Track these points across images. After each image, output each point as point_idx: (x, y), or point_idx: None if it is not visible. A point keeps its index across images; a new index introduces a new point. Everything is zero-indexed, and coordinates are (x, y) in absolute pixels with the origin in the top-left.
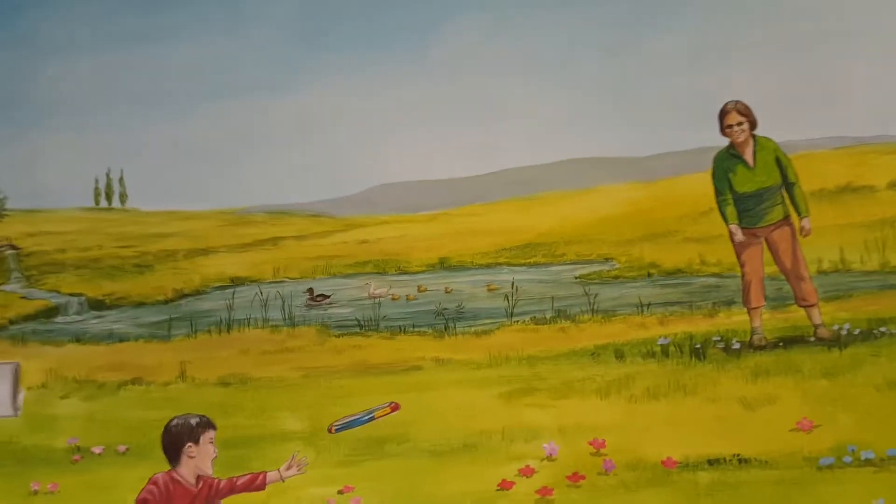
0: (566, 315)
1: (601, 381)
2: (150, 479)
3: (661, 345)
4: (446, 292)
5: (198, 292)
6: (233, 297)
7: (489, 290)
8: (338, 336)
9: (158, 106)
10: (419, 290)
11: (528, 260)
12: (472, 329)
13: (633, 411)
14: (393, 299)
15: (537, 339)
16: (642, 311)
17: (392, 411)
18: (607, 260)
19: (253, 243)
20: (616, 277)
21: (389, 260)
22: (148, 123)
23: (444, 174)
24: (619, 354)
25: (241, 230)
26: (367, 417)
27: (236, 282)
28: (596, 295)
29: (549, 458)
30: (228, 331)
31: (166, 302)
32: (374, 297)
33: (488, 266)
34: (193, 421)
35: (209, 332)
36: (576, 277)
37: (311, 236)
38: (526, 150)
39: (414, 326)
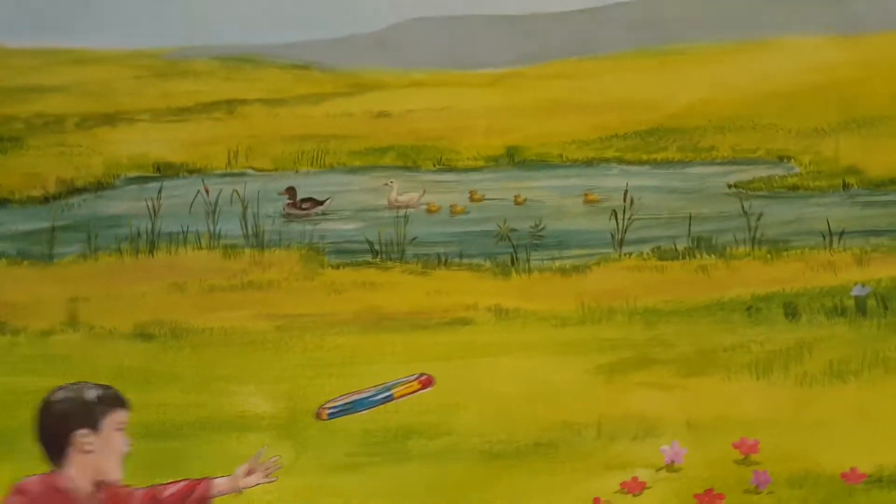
0: (710, 246)
1: (759, 352)
2: (13, 486)
3: (855, 297)
4: (516, 203)
5: (100, 186)
6: (158, 197)
7: (587, 201)
8: (336, 267)
9: None
10: (472, 199)
11: (653, 155)
12: (556, 263)
13: (804, 398)
14: (429, 211)
15: (661, 283)
16: (831, 243)
17: (422, 388)
18: (781, 159)
19: (194, 108)
20: (794, 188)
21: (424, 146)
22: None
23: (516, 6)
24: (791, 310)
25: (175, 86)
26: (381, 397)
27: (165, 171)
28: (760, 215)
29: (671, 466)
30: (151, 251)
31: (46, 200)
32: (399, 207)
33: (586, 163)
34: (90, 395)
35: (119, 251)
36: (729, 186)
37: (293, 101)
38: None
39: (462, 256)
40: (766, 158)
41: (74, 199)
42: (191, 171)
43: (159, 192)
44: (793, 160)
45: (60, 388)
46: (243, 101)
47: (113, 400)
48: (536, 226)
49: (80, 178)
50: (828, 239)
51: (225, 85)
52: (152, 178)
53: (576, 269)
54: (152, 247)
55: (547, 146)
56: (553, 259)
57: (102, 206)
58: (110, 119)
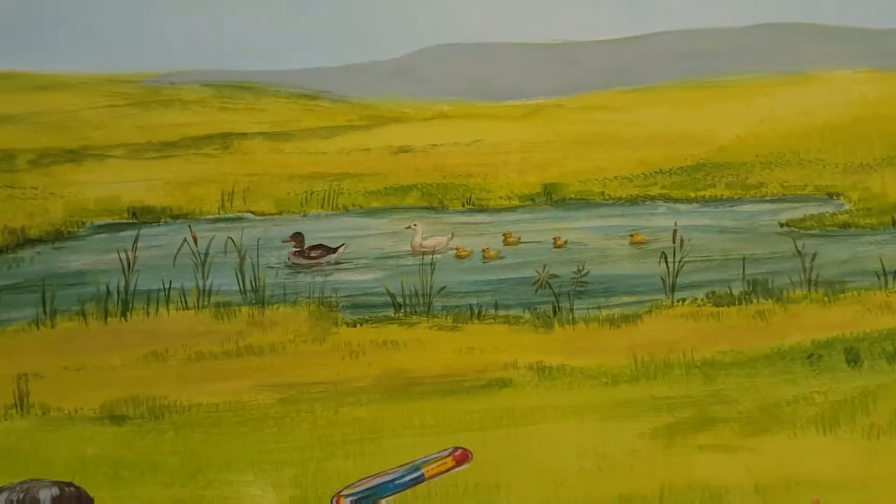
0: (766, 289)
1: (823, 403)
2: None
3: None
4: (556, 246)
5: (59, 236)
6: (134, 247)
7: (633, 242)
8: (352, 324)
9: None
10: (506, 242)
11: (701, 192)
12: (603, 312)
13: (874, 452)
14: (458, 257)
15: (718, 332)
16: (886, 282)
17: (457, 465)
18: (831, 196)
19: (181, 143)
20: (845, 226)
21: (451, 185)
22: None
23: (553, 34)
24: (853, 356)
25: (157, 117)
26: (409, 478)
27: (143, 217)
28: (814, 255)
29: None
30: (124, 313)
31: None
32: (424, 253)
33: (630, 201)
34: (44, 495)
35: (82, 315)
36: (781, 224)
37: (300, 134)
38: (698, 6)
39: (497, 307)
40: (816, 195)
41: (26, 253)
42: (175, 216)
43: (135, 241)
44: (842, 196)
45: (4, 489)
46: (241, 135)
47: (74, 500)
48: (579, 271)
49: (33, 227)
50: (883, 279)
51: (219, 116)
52: (126, 226)
53: (625, 318)
54: (125, 308)
55: (587, 183)
56: (599, 308)
57: (62, 259)
58: (74, 156)
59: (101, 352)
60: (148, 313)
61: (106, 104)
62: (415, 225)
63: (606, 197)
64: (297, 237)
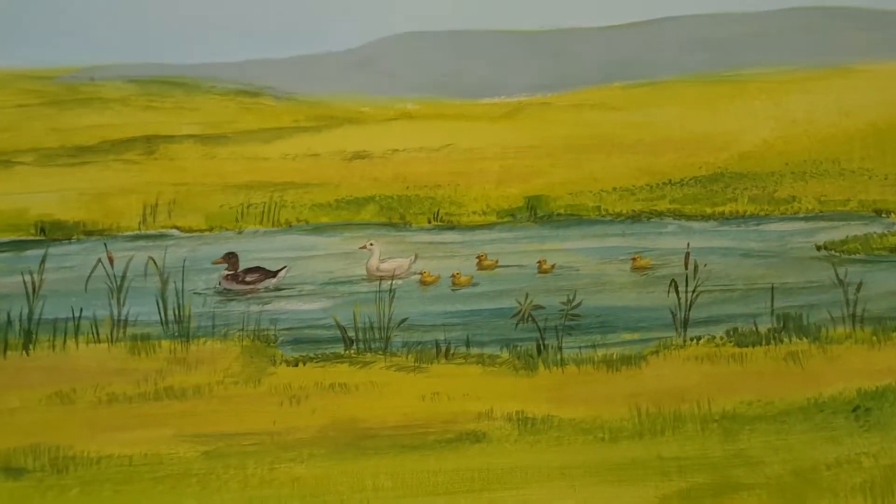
0: (800, 326)
1: (873, 468)
2: None
3: None
4: (541, 271)
5: None
6: (41, 269)
7: (636, 267)
8: (293, 363)
9: None
10: (481, 266)
11: (719, 208)
12: (599, 353)
13: None
14: (423, 283)
15: (741, 378)
16: None
17: None
18: (878, 214)
19: (99, 148)
20: (895, 250)
21: (416, 197)
22: None
23: (541, 21)
24: None
25: (73, 118)
26: None
27: (52, 233)
28: (859, 286)
29: None
30: (26, 346)
31: None
32: (382, 278)
33: (633, 217)
34: None
35: None
36: (818, 248)
37: (237, 137)
38: None
39: (469, 344)
40: (860, 212)
41: None
42: (89, 233)
43: (42, 261)
44: (892, 214)
45: None
46: (168, 139)
47: None
48: (569, 301)
49: None
50: None
51: (144, 116)
52: (33, 243)
53: (626, 360)
54: (28, 340)
55: (580, 196)
56: (594, 346)
57: None
58: None
59: None
60: (54, 346)
61: (15, 103)
62: (371, 245)
63: (603, 212)
64: (231, 258)
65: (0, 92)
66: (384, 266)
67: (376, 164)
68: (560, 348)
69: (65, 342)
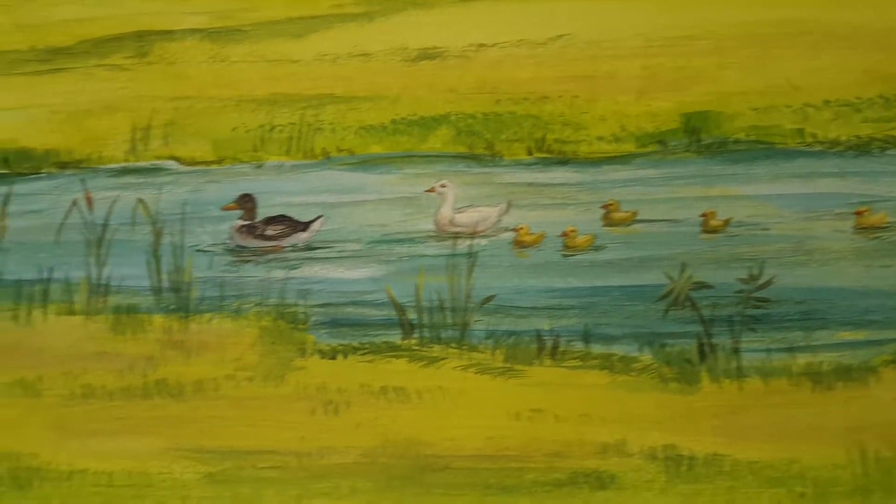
0: None
1: None
2: None
3: None
4: (706, 229)
5: None
6: (3, 214)
7: (862, 226)
8: (330, 355)
9: None
10: (609, 219)
11: None
12: (801, 360)
13: None
14: (520, 244)
15: None
16: None
17: None
18: None
19: (76, 49)
20: None
21: (511, 116)
22: None
23: None
24: None
25: (45, 9)
26: None
27: (17, 166)
28: None
29: None
30: None
31: None
32: (458, 235)
33: (856, 147)
34: None
35: None
36: None
37: (255, 31)
38: None
39: (588, 338)
40: None
41: None
42: (63, 165)
43: (4, 203)
44: None
45: None
46: (166, 35)
47: None
48: (753, 278)
49: None
50: None
51: (134, 5)
52: None
53: (843, 372)
54: None
55: (770, 113)
56: (791, 350)
57: None
58: None
59: None
60: (15, 318)
61: None
62: (443, 186)
63: (809, 139)
64: (246, 202)
65: None
66: (461, 218)
67: (452, 66)
68: (737, 351)
69: (29, 313)
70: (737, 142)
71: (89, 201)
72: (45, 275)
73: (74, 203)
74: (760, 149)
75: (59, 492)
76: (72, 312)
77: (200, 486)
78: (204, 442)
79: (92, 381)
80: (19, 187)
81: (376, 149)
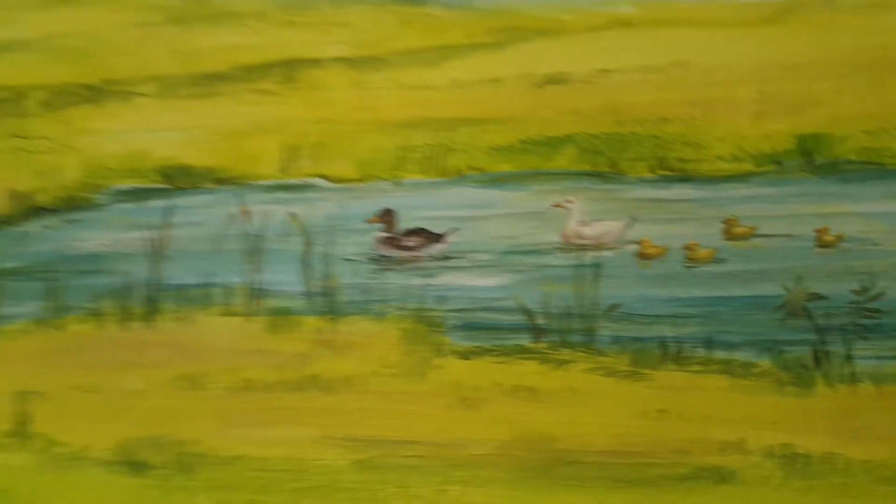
0: None
1: None
2: None
3: None
4: (821, 244)
5: (72, 204)
6: (166, 225)
7: None
8: (466, 354)
9: None
10: (730, 234)
11: None
12: None
13: None
14: (643, 256)
15: None
16: None
17: None
18: None
19: (230, 75)
20: None
21: (634, 136)
22: None
23: None
24: None
25: (200, 38)
26: None
27: (178, 181)
28: None
29: None
30: (149, 316)
31: None
32: (584, 247)
33: None
34: None
35: (97, 315)
36: None
37: (395, 60)
38: None
39: (711, 345)
40: None
41: (32, 226)
42: (220, 181)
43: (167, 215)
44: None
45: None
46: (313, 62)
47: None
48: (865, 290)
49: (43, 191)
50: None
51: (283, 35)
52: (156, 192)
53: None
54: (151, 308)
55: (881, 136)
56: None
57: (75, 237)
58: (94, 94)
59: (119, 369)
60: (180, 317)
61: (134, 21)
62: (569, 202)
63: None
64: (387, 216)
65: (116, 10)
66: (587, 231)
67: (578, 90)
68: (850, 357)
69: (192, 313)
70: (848, 162)
71: (245, 214)
72: (207, 280)
73: (232, 215)
74: (871, 169)
75: (221, 475)
76: (232, 314)
77: (350, 471)
78: (352, 431)
79: (251, 375)
80: (181, 201)
81: (506, 167)
